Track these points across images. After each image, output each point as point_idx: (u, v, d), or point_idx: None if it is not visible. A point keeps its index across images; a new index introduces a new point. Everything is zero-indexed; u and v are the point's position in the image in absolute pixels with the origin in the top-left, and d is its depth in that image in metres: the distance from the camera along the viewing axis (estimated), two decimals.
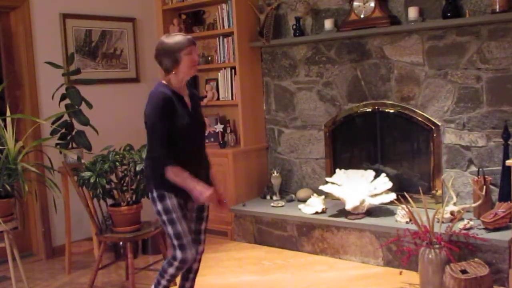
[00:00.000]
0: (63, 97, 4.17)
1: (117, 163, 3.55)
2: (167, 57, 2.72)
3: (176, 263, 2.79)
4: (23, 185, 3.42)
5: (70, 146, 4.17)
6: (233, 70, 4.95)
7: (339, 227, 4.15)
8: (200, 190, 2.67)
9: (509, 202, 3.60)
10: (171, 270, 2.82)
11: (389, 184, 4.12)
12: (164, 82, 2.80)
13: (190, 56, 2.71)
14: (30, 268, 4.26)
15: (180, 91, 2.79)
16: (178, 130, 2.72)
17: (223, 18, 4.96)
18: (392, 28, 4.16)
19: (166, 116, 2.69)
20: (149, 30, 5.35)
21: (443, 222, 3.50)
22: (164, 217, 2.76)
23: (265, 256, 4.34)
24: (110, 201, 3.67)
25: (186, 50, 2.70)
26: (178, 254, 2.77)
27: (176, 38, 2.73)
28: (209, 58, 5.22)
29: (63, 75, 4.25)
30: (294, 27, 4.72)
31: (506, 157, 3.75)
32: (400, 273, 3.67)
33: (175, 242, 2.77)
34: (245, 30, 4.90)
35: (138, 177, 3.58)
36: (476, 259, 3.41)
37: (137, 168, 3.53)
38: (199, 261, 3.04)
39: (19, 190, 3.55)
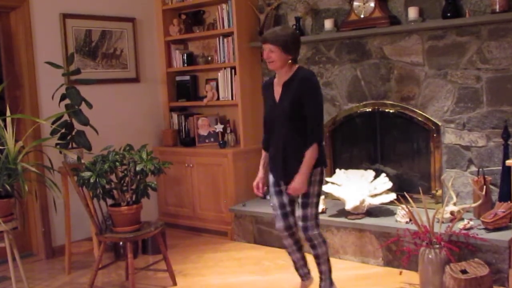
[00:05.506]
0: (63, 97, 4.17)
1: (117, 163, 3.55)
2: None
3: None
4: (23, 185, 3.42)
5: (70, 146, 4.16)
6: (233, 70, 4.95)
7: (339, 227, 4.15)
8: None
9: (509, 202, 3.61)
10: None
11: (389, 184, 4.12)
12: None
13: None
14: (30, 268, 4.26)
15: (279, 81, 3.13)
16: (265, 116, 3.24)
17: (223, 18, 4.95)
18: (392, 28, 4.15)
19: (263, 101, 3.33)
20: (149, 30, 5.35)
21: (443, 222, 3.50)
22: None
23: (265, 256, 4.34)
24: (110, 201, 3.67)
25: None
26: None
27: None
28: (209, 58, 5.22)
29: (63, 75, 4.25)
30: (294, 27, 4.71)
31: (506, 157, 3.75)
32: (400, 273, 3.67)
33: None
34: (245, 30, 4.89)
35: (138, 177, 3.57)
36: (476, 259, 3.41)
37: (137, 168, 3.53)
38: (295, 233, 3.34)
39: (19, 190, 3.54)
